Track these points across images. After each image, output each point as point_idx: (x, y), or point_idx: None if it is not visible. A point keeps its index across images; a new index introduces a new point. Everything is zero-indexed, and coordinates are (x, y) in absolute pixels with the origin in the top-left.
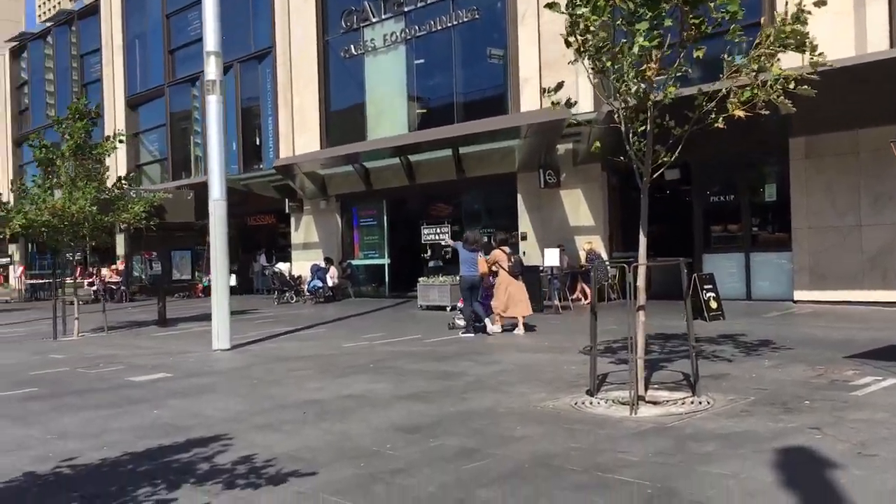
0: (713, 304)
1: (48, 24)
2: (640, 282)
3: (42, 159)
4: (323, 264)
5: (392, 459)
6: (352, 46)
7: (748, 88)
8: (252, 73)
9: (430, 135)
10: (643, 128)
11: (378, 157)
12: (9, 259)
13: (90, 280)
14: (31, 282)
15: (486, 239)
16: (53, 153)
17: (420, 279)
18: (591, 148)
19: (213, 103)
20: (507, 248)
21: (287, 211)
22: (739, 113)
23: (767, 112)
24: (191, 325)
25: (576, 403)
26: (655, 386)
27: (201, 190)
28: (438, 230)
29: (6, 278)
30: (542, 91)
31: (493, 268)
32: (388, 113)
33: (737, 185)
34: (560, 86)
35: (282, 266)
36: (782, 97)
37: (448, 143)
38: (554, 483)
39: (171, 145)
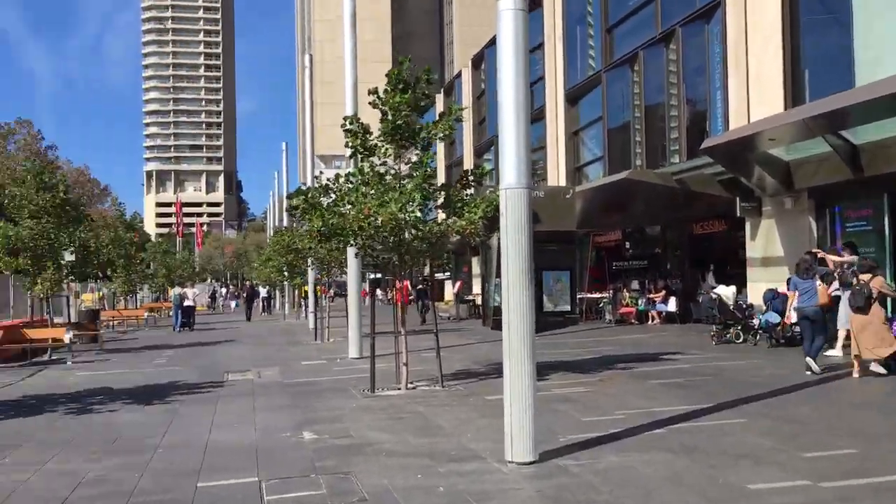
0: None
1: None
2: None
3: (357, 146)
4: (782, 289)
5: None
6: None
7: None
8: (697, 37)
9: None
10: None
11: (875, 118)
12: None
13: None
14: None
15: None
16: (368, 138)
17: None
18: None
19: (508, 20)
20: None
21: (739, 214)
22: None
23: None
24: (568, 379)
25: None
26: None
27: (608, 190)
28: None
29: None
30: None
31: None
32: (892, 55)
33: None
34: None
35: (723, 290)
36: None
37: None
38: None
39: (608, 139)
